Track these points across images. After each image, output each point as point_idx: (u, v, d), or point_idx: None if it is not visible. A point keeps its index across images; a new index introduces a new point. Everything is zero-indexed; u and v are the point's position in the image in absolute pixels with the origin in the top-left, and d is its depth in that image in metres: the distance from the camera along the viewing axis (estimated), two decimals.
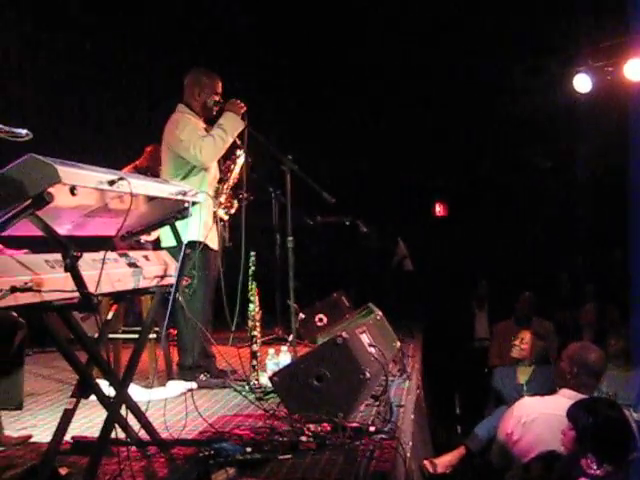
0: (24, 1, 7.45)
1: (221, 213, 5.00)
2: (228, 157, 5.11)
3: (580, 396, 4.32)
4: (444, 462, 5.11)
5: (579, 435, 3.86)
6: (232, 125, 4.81)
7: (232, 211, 5.03)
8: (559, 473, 3.97)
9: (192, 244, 4.11)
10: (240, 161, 5.04)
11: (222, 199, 5.02)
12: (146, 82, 7.96)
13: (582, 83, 7.96)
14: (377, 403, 4.00)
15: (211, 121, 4.96)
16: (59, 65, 8.00)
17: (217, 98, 4.92)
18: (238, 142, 4.91)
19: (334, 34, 9.18)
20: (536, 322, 7.66)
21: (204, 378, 4.79)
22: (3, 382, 3.39)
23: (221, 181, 5.03)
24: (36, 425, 3.89)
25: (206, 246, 4.52)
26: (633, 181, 7.50)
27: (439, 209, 11.11)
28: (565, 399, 4.35)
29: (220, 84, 4.96)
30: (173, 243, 3.67)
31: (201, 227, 4.43)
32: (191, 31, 8.41)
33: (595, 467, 3.76)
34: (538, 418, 4.41)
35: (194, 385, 4.66)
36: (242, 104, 4.87)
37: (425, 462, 4.93)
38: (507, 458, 4.64)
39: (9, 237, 2.58)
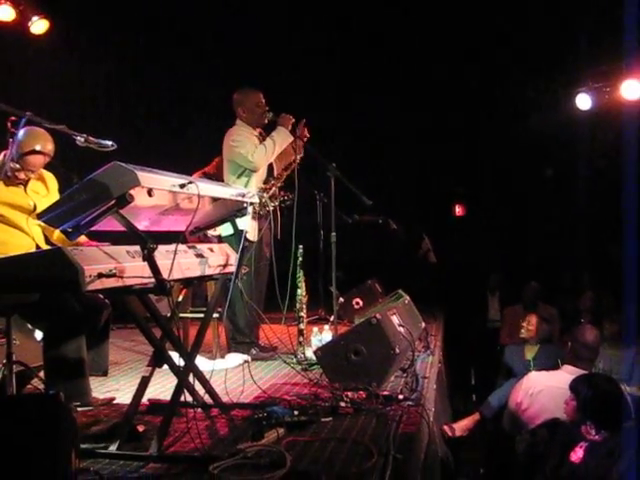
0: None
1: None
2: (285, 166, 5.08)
3: (580, 371, 4.23)
4: (461, 426, 5.03)
5: (580, 405, 3.78)
6: (282, 138, 4.83)
7: (268, 208, 4.90)
8: (562, 438, 3.89)
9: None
10: (292, 168, 5.00)
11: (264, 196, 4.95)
12: (216, 101, 7.97)
13: (583, 102, 7.80)
14: (405, 375, 3.97)
15: (266, 128, 4.97)
16: (144, 89, 8.12)
17: (261, 110, 4.90)
18: (299, 154, 4.88)
19: (362, 42, 9.00)
20: (541, 307, 7.53)
21: (254, 352, 4.79)
22: (92, 353, 3.42)
23: (266, 182, 4.97)
24: (118, 389, 3.93)
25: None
26: (625, 185, 7.35)
27: (458, 210, 10.99)
28: (567, 374, 4.27)
29: (261, 95, 4.94)
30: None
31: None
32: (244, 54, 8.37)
33: (594, 433, 3.69)
34: (544, 390, 4.34)
35: (249, 357, 4.66)
36: (291, 118, 4.88)
37: (445, 427, 4.85)
38: (517, 424, 4.57)
39: (95, 232, 2.59)
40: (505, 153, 9.75)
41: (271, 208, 4.80)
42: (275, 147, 4.80)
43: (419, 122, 9.41)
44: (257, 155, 4.74)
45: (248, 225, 4.49)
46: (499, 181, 10.06)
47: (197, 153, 6.81)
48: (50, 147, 3.46)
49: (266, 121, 4.95)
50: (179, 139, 8.25)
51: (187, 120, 8.47)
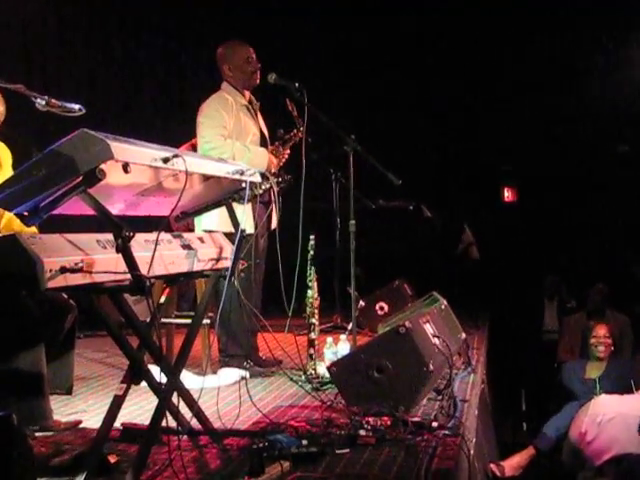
0: None
1: None
2: (277, 140, 5.10)
3: None
4: (512, 464, 5.01)
5: None
6: (256, 161, 4.67)
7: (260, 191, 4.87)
8: (636, 477, 3.84)
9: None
10: (289, 145, 5.01)
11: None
12: (203, 66, 8.00)
13: None
14: (440, 397, 3.96)
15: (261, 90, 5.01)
16: (120, 43, 8.14)
17: (252, 68, 4.91)
18: (298, 120, 4.86)
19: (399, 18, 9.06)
20: (610, 315, 7.49)
21: (248, 367, 4.78)
22: (53, 366, 3.42)
23: None
24: (86, 410, 3.93)
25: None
26: None
27: (508, 194, 10.95)
28: None
29: (251, 50, 4.94)
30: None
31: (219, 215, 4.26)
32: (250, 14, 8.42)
33: None
34: (615, 418, 4.29)
35: (247, 373, 4.65)
36: (280, 163, 4.94)
37: (491, 465, 4.82)
38: (579, 459, 4.53)
39: (57, 217, 2.57)
40: (566, 124, 9.70)
41: (260, 192, 4.75)
42: (244, 158, 4.58)
43: (462, 90, 9.40)
44: (216, 151, 4.62)
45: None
46: (558, 160, 10.00)
47: (186, 122, 6.80)
48: (0, 109, 3.45)
49: (257, 82, 4.93)
50: (164, 105, 8.26)
51: (174, 83, 8.49)
